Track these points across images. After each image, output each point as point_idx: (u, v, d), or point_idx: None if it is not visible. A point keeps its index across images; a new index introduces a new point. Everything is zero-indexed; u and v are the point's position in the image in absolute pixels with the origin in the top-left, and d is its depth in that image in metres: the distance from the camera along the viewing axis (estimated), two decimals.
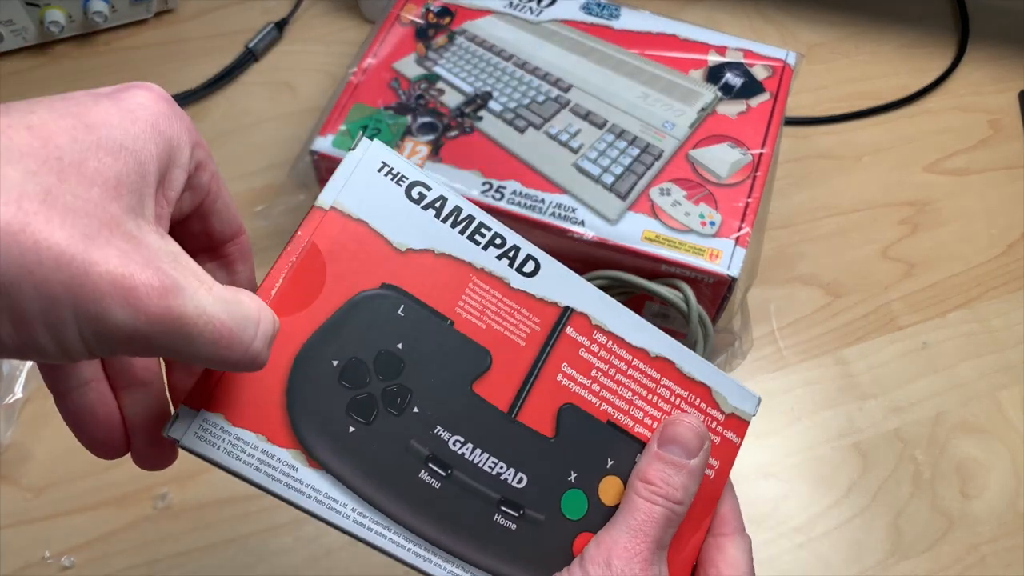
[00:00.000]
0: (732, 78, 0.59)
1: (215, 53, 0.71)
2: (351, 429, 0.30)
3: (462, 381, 0.32)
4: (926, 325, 0.60)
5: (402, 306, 0.31)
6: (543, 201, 0.53)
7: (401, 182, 0.32)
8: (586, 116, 0.57)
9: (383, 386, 0.31)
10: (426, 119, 0.57)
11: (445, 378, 0.32)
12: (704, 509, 0.35)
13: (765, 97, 0.59)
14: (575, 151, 0.56)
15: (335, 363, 0.30)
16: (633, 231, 0.52)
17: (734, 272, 0.51)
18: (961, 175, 0.67)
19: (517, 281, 0.34)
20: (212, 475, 0.53)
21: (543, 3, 0.63)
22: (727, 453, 0.36)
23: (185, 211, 0.29)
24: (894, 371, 0.58)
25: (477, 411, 0.32)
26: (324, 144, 0.56)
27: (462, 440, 0.31)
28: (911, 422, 0.56)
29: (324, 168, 0.57)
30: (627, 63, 0.60)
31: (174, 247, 0.24)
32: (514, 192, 0.54)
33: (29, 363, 0.55)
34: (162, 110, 0.25)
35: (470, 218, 0.33)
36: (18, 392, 0.54)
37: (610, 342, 0.35)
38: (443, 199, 0.33)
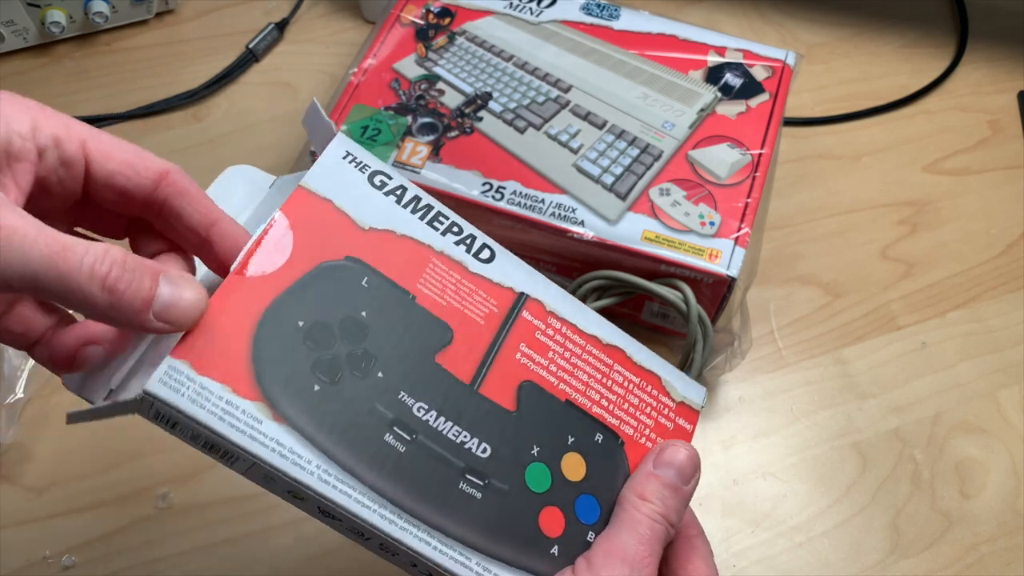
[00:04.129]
0: (732, 78, 0.59)
1: (216, 53, 0.71)
2: (316, 387, 0.30)
3: (425, 352, 0.33)
4: (925, 325, 0.60)
5: (366, 278, 0.33)
6: (543, 201, 0.54)
7: (364, 170, 0.35)
8: (586, 116, 0.57)
9: (348, 349, 0.31)
10: (426, 119, 0.57)
11: (408, 347, 0.33)
12: None
13: (764, 97, 0.59)
14: (575, 151, 0.56)
15: (300, 323, 0.31)
16: (633, 231, 0.52)
17: (733, 272, 0.51)
18: (960, 175, 0.67)
19: (475, 266, 0.35)
20: (212, 475, 0.53)
21: (543, 4, 0.63)
22: (681, 440, 0.37)
23: (64, 198, 0.31)
24: (893, 371, 0.58)
25: (440, 381, 0.33)
26: None
27: (426, 407, 0.32)
28: (910, 422, 0.56)
29: None
30: (627, 63, 0.60)
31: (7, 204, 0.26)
32: (514, 192, 0.54)
33: (31, 363, 0.55)
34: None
35: (428, 207, 0.35)
36: (19, 392, 0.54)
37: (564, 327, 0.36)
38: (403, 188, 0.35)
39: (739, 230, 0.53)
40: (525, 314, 0.35)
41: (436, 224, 0.35)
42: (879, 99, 0.70)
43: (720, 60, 0.60)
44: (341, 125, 0.57)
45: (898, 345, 0.59)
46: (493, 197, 0.54)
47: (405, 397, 0.32)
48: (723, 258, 0.52)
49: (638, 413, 0.37)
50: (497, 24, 0.62)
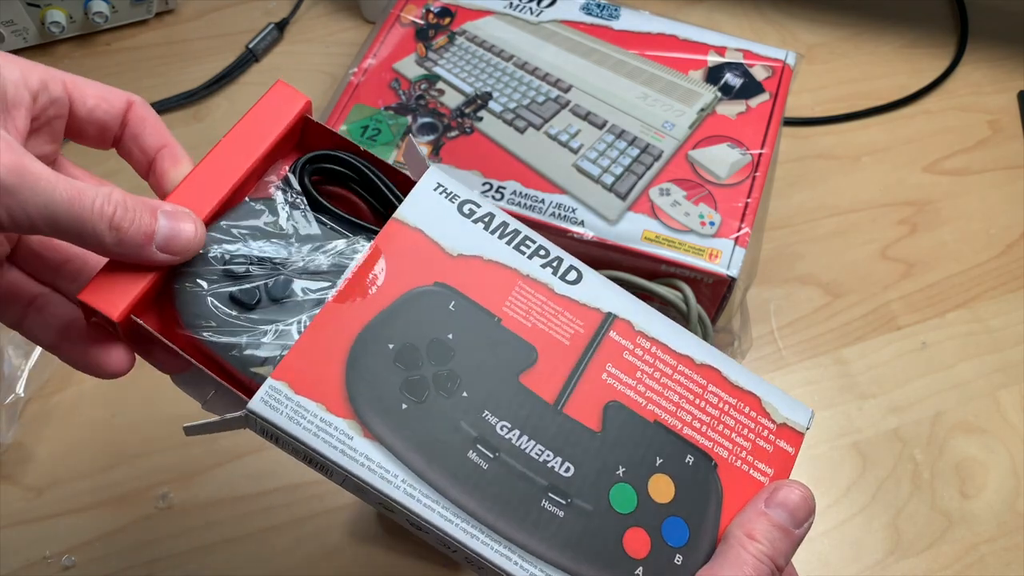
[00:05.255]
0: (732, 78, 0.59)
1: (216, 53, 0.71)
2: (404, 406, 0.32)
3: (509, 372, 0.34)
4: (925, 325, 0.60)
5: (453, 302, 0.34)
6: (543, 201, 0.54)
7: (453, 200, 0.36)
8: (586, 116, 0.57)
9: (434, 370, 0.33)
10: (426, 119, 0.57)
11: (493, 368, 0.34)
12: None
13: (764, 97, 0.59)
14: (575, 151, 0.56)
15: (391, 346, 0.33)
16: (633, 231, 0.52)
17: (733, 272, 0.51)
18: (960, 175, 0.67)
19: (561, 287, 0.36)
20: (212, 475, 0.53)
21: (543, 3, 0.63)
22: (782, 464, 0.36)
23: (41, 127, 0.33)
24: (893, 371, 0.58)
25: (524, 400, 0.33)
26: None
27: (509, 426, 0.33)
28: (910, 422, 0.56)
29: None
30: (627, 63, 0.60)
31: (20, 147, 0.29)
32: (514, 192, 0.54)
33: (31, 363, 0.55)
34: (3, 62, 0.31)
35: (516, 232, 0.36)
36: (20, 392, 0.54)
37: (654, 347, 0.36)
38: (491, 215, 0.36)
39: (739, 230, 0.53)
40: (612, 334, 0.35)
41: (523, 248, 0.36)
42: (879, 99, 0.70)
43: (720, 60, 0.60)
44: (341, 125, 0.57)
45: (898, 345, 0.59)
46: (493, 197, 0.54)
47: (488, 416, 0.33)
48: (723, 258, 0.52)
49: (733, 435, 0.35)
50: (497, 24, 0.62)
